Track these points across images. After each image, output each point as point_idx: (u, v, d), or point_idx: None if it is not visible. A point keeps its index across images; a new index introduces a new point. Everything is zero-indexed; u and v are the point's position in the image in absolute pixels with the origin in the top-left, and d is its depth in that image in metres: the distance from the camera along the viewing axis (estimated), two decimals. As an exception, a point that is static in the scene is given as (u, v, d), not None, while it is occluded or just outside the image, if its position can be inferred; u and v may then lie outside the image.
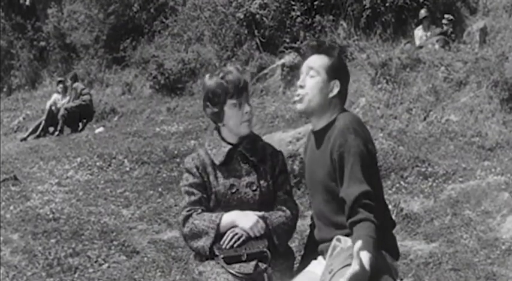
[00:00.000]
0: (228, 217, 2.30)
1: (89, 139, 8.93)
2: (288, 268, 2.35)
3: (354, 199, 2.06)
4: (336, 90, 2.26)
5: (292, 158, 5.48)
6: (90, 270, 4.14)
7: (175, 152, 7.08)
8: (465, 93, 7.73)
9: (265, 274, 2.19)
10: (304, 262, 2.36)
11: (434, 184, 5.55)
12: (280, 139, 5.67)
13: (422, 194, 5.39)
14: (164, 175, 6.47)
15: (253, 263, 2.20)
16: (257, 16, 10.33)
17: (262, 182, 2.38)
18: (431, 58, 8.34)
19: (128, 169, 6.78)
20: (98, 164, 7.01)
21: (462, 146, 6.79)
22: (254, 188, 2.36)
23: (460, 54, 8.40)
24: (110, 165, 6.96)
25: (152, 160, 6.91)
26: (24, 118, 11.74)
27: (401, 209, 4.99)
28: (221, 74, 2.37)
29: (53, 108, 10.47)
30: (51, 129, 10.37)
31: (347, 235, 2.04)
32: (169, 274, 4.01)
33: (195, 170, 2.37)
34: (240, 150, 2.39)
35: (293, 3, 10.10)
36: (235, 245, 2.25)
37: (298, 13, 9.97)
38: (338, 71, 2.28)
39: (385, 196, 2.42)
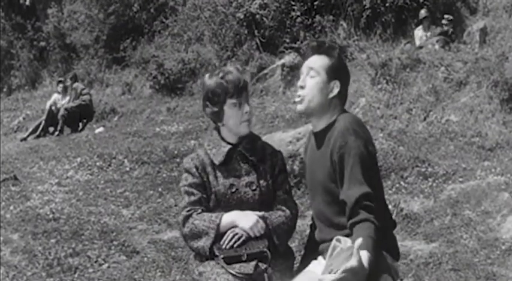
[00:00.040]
0: (228, 217, 2.30)
1: (89, 139, 8.93)
2: (288, 268, 2.35)
3: (354, 201, 2.06)
4: (336, 91, 2.26)
5: (292, 158, 5.48)
6: (90, 270, 4.14)
7: (175, 152, 7.08)
8: (465, 93, 7.73)
9: (265, 274, 2.19)
10: (304, 262, 2.36)
11: (434, 184, 5.55)
12: (280, 139, 5.67)
13: (422, 194, 5.39)
14: (164, 175, 6.48)
15: (253, 263, 2.20)
16: (257, 16, 10.33)
17: (261, 181, 2.38)
18: (431, 58, 8.34)
19: (127, 169, 6.78)
20: (98, 164, 7.01)
21: (462, 146, 6.79)
22: (254, 187, 2.36)
23: (460, 55, 8.40)
24: (110, 165, 6.96)
25: (152, 160, 6.91)
26: (24, 118, 11.74)
27: (401, 209, 4.99)
28: (221, 74, 2.37)
29: (53, 108, 10.47)
30: (51, 129, 10.37)
31: (347, 236, 2.04)
32: (169, 274, 4.01)
33: (194, 170, 2.37)
34: (240, 150, 2.39)
35: (293, 3, 10.10)
36: (235, 246, 2.25)
37: (298, 13, 9.97)
38: (338, 72, 2.27)
39: (385, 196, 2.42)
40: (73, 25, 13.42)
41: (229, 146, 2.39)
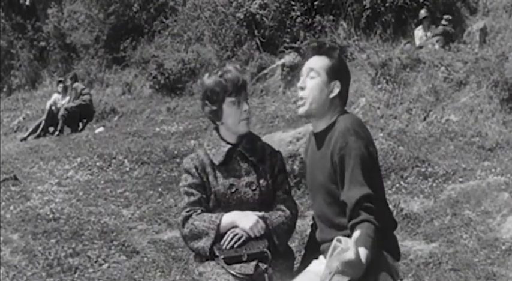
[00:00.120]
0: (228, 218, 2.30)
1: (89, 139, 8.93)
2: (288, 268, 2.35)
3: (355, 202, 2.06)
4: (336, 91, 2.26)
5: (292, 158, 5.48)
6: (90, 270, 4.14)
7: (175, 152, 7.08)
8: (465, 93, 7.73)
9: (265, 275, 2.19)
10: (305, 262, 2.36)
11: (434, 184, 5.56)
12: (280, 139, 5.67)
13: (422, 194, 5.39)
14: (164, 175, 6.47)
15: (253, 263, 2.20)
16: (257, 16, 10.33)
17: (261, 181, 2.38)
18: (431, 58, 8.34)
19: (128, 169, 6.78)
20: (98, 164, 7.01)
21: (462, 146, 6.80)
22: (254, 187, 2.36)
23: (460, 54, 8.40)
24: (110, 165, 6.96)
25: (152, 160, 6.91)
26: (24, 118, 11.74)
27: (401, 209, 4.99)
28: (220, 73, 2.37)
29: (53, 108, 10.46)
30: (51, 129, 10.37)
31: (348, 236, 2.05)
32: (169, 274, 4.01)
33: (194, 170, 2.37)
34: (240, 150, 2.39)
35: (293, 3, 10.10)
36: (235, 246, 2.25)
37: (298, 13, 9.97)
38: (338, 72, 2.27)
39: (386, 196, 2.42)
40: (73, 25, 13.42)
41: (228, 146, 2.39)
